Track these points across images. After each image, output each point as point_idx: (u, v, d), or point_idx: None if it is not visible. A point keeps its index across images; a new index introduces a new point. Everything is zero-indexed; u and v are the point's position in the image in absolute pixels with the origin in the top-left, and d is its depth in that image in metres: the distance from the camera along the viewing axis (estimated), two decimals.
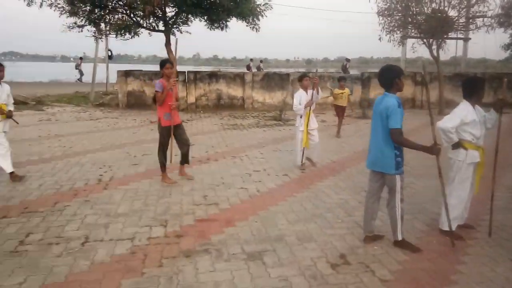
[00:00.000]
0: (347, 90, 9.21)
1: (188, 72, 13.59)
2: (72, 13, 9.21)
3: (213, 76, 13.62)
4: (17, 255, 3.28)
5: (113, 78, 19.84)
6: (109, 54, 16.73)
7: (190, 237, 3.70)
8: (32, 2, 8.82)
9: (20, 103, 13.13)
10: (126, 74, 13.18)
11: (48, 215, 4.15)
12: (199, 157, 6.80)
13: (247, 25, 10.92)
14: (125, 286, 2.87)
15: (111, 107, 13.49)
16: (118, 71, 13.27)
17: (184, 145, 5.41)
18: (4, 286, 2.82)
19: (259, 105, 13.84)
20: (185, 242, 3.60)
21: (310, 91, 5.91)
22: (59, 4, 9.07)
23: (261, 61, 27.99)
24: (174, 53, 6.46)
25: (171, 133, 5.25)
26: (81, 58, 25.16)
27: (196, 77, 13.42)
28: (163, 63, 5.18)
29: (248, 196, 4.88)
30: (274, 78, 13.99)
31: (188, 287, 2.88)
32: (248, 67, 23.86)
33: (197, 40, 10.73)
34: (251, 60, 26.22)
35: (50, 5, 8.93)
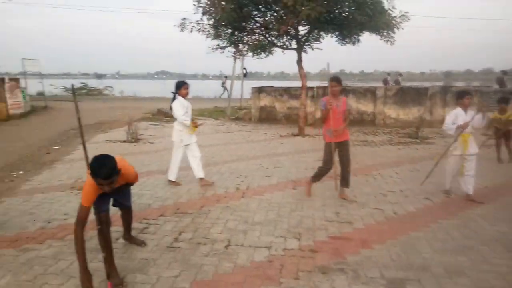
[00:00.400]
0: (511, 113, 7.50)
1: (317, 87, 13.73)
2: (216, 36, 10.25)
3: (342, 91, 13.44)
4: (172, 251, 3.73)
5: (246, 94, 21.37)
6: (244, 72, 18.02)
7: (324, 254, 3.69)
8: (184, 28, 10.11)
9: (171, 117, 15.10)
10: (259, 90, 14.00)
11: (196, 217, 4.62)
12: (330, 173, 6.74)
13: (380, 39, 10.54)
14: None
15: (245, 121, 14.46)
16: (252, 88, 14.19)
17: (344, 165, 5.24)
18: (163, 277, 3.23)
19: (391, 121, 13.13)
20: (320, 258, 3.59)
21: (470, 112, 5.13)
22: (205, 29, 10.18)
23: (400, 75, 26.27)
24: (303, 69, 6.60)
25: (332, 150, 5.16)
26: (226, 77, 27.25)
27: (325, 93, 13.45)
28: (331, 80, 5.10)
29: (384, 218, 4.64)
30: (410, 93, 13.13)
31: None
32: (385, 82, 22.67)
33: (324, 54, 10.82)
34: (388, 74, 24.92)
35: (199, 29, 10.13)
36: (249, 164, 7.39)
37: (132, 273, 3.28)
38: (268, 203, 5.12)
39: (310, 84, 14.06)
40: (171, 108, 5.95)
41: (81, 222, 2.93)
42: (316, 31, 10.51)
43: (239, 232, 4.17)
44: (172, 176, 6.01)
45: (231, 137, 10.97)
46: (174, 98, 5.96)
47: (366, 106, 13.31)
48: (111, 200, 3.44)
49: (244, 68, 17.87)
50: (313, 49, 11.07)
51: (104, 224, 3.14)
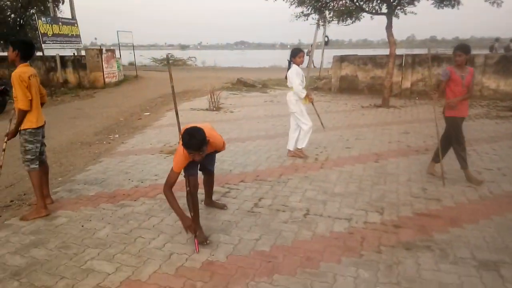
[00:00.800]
0: None
1: (406, 55, 12.75)
2: (300, 3, 9.93)
3: (434, 60, 12.35)
4: (252, 215, 3.83)
5: (326, 63, 20.70)
6: (326, 40, 17.38)
7: (409, 230, 3.50)
8: None
9: (249, 86, 15.29)
10: (341, 59, 13.44)
11: (275, 185, 4.68)
12: (417, 147, 6.33)
13: (485, 0, 9.31)
14: (345, 263, 2.96)
15: (324, 91, 14.08)
16: (334, 56, 13.66)
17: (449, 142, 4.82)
18: (244, 239, 3.35)
19: (489, 93, 11.79)
20: (404, 234, 3.42)
21: None
22: None
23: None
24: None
25: (457, 126, 4.78)
26: (311, 46, 25.93)
27: (415, 61, 12.47)
28: (456, 48, 4.49)
29: (477, 197, 4.25)
30: None
31: (410, 280, 2.73)
32: (492, 48, 19.78)
33: (410, 20, 9.82)
34: (497, 40, 21.23)
35: None
36: (328, 135, 7.22)
37: (216, 233, 3.45)
38: (348, 175, 4.98)
39: (400, 51, 13.14)
40: (286, 78, 5.76)
41: (170, 184, 3.20)
42: None
43: (318, 202, 4.13)
44: (299, 144, 5.77)
45: (309, 107, 10.75)
46: (289, 67, 5.70)
47: None
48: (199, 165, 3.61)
49: (326, 36, 17.22)
50: (405, 14, 10.18)
51: (192, 187, 3.34)
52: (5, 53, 21.00)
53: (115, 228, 3.55)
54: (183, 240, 3.32)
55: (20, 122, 3.71)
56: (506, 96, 11.38)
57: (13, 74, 3.62)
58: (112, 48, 17.57)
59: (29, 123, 3.75)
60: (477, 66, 11.78)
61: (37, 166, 3.85)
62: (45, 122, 3.99)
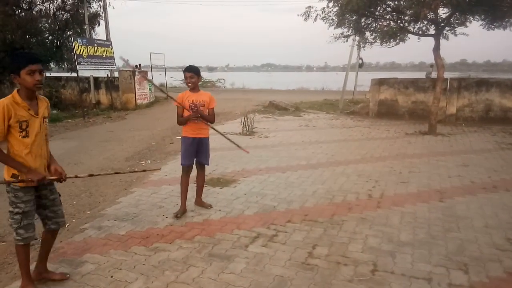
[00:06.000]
0: None
1: (451, 79, 11.99)
2: (340, 24, 9.46)
3: (482, 84, 11.53)
4: (309, 269, 3.22)
5: (361, 86, 20.10)
6: (360, 62, 16.83)
7: None
8: (308, 16, 9.53)
9: (282, 109, 14.82)
10: (380, 82, 12.80)
11: (328, 227, 4.06)
12: (482, 183, 5.58)
13: None
14: None
15: (361, 116, 13.41)
16: (372, 79, 13.06)
17: None
18: None
19: None
20: None
21: None
22: (329, 16, 9.45)
23: None
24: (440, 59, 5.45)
25: None
26: (431, 66, 23.92)
27: (461, 85, 11.69)
28: None
29: None
30: None
31: None
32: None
33: (460, 42, 9.16)
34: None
35: (323, 18, 9.45)
36: (377, 166, 6.55)
37: None
38: (412, 218, 4.30)
39: (448, 75, 12.41)
40: None
41: (178, 115, 4.34)
42: (460, 14, 8.93)
43: (385, 253, 3.48)
44: None
45: (348, 133, 10.15)
46: None
47: None
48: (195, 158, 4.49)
49: (361, 58, 16.68)
50: (456, 35, 9.49)
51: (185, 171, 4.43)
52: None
53: (149, 281, 3.02)
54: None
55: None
56: None
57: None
58: (144, 69, 17.61)
59: (11, 172, 2.66)
60: None
61: (23, 238, 2.71)
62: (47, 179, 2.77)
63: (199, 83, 4.38)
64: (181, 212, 4.40)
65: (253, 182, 5.66)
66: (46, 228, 2.93)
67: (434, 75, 20.61)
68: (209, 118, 4.41)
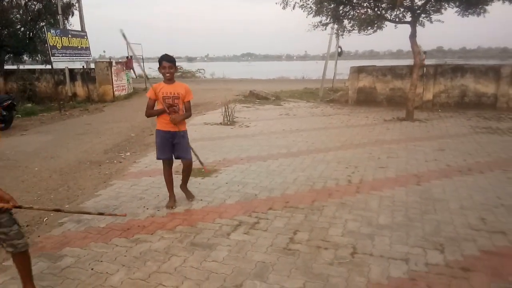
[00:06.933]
0: None
1: (427, 66, 12.20)
2: (319, 12, 9.46)
3: (457, 70, 11.78)
4: (290, 254, 3.26)
5: (340, 75, 20.22)
6: (339, 50, 16.91)
7: (481, 274, 2.92)
8: (287, 5, 9.49)
9: (262, 98, 14.81)
10: (359, 70, 12.92)
11: (309, 213, 4.11)
12: (458, 167, 5.74)
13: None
14: None
15: (340, 104, 13.53)
16: (351, 67, 13.16)
17: None
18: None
19: None
20: (476, 280, 2.84)
21: None
22: (308, 4, 9.44)
23: None
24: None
25: None
26: (425, 52, 22.60)
27: (437, 71, 11.92)
28: None
29: None
30: None
31: None
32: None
33: (419, 31, 9.24)
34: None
35: (301, 6, 9.44)
36: (357, 152, 6.65)
37: (250, 279, 2.89)
38: (390, 202, 4.40)
39: (404, 62, 12.58)
40: None
41: (148, 108, 4.21)
42: (434, 1, 9.05)
43: (364, 236, 3.56)
44: None
45: (328, 120, 10.24)
46: None
47: (486, 87, 11.48)
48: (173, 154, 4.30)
49: (339, 47, 16.74)
50: (431, 22, 9.62)
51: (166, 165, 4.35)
52: (14, 67, 20.88)
53: (130, 272, 3.00)
54: None
55: None
56: None
57: None
58: (121, 60, 17.24)
59: None
60: (504, 77, 11.19)
61: None
62: None
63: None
64: (173, 202, 4.34)
65: (234, 171, 5.66)
66: (6, 251, 2.56)
67: (426, 61, 20.91)
68: (184, 117, 4.17)
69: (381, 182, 5.09)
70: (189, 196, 4.55)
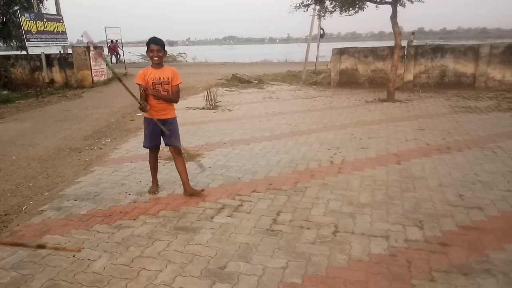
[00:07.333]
0: None
1: (408, 47, 12.29)
2: None
3: (437, 51, 11.91)
4: (273, 235, 3.29)
5: (323, 57, 20.18)
6: (321, 33, 16.83)
7: (459, 248, 3.00)
8: None
9: (245, 82, 14.70)
10: (341, 52, 12.92)
11: (292, 194, 4.14)
12: (437, 145, 5.85)
13: None
14: None
15: (323, 86, 13.56)
16: (333, 49, 13.14)
17: None
18: (269, 268, 2.81)
19: (495, 84, 11.39)
20: (455, 254, 2.92)
21: None
22: None
23: None
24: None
25: None
26: (413, 34, 21.53)
27: (417, 52, 12.02)
28: None
29: None
30: None
31: None
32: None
33: (400, 13, 9.24)
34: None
35: None
36: (339, 134, 6.70)
37: (234, 260, 2.91)
38: (371, 181, 4.47)
39: (386, 43, 12.65)
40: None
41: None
42: None
43: (346, 215, 3.62)
44: None
45: (311, 103, 10.26)
46: None
47: (465, 67, 11.66)
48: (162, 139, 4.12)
49: (322, 29, 16.64)
50: (412, 2, 9.63)
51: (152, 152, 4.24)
52: None
53: (113, 258, 2.98)
54: (197, 271, 2.77)
55: None
56: None
57: None
58: (99, 45, 16.78)
59: None
60: (483, 57, 11.37)
61: None
62: None
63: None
64: (155, 187, 4.30)
65: (217, 155, 5.64)
66: None
67: (415, 42, 20.88)
68: (171, 99, 3.95)
69: (362, 162, 5.15)
70: (198, 192, 4.18)
